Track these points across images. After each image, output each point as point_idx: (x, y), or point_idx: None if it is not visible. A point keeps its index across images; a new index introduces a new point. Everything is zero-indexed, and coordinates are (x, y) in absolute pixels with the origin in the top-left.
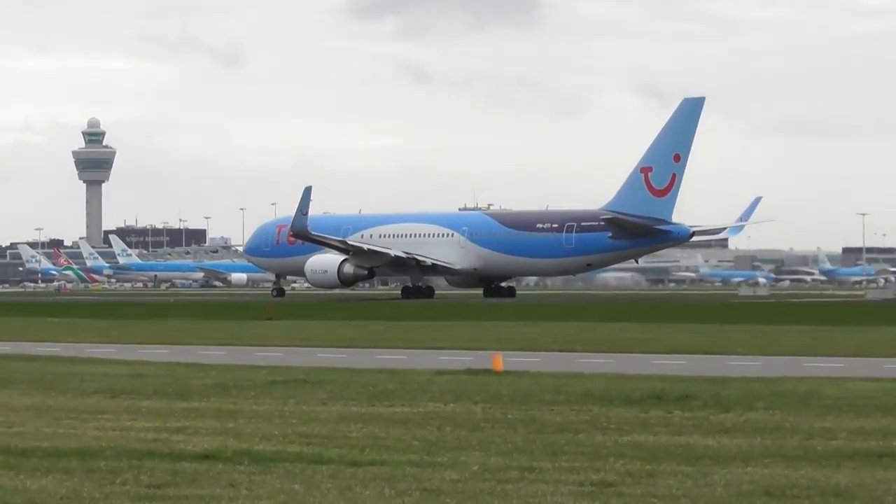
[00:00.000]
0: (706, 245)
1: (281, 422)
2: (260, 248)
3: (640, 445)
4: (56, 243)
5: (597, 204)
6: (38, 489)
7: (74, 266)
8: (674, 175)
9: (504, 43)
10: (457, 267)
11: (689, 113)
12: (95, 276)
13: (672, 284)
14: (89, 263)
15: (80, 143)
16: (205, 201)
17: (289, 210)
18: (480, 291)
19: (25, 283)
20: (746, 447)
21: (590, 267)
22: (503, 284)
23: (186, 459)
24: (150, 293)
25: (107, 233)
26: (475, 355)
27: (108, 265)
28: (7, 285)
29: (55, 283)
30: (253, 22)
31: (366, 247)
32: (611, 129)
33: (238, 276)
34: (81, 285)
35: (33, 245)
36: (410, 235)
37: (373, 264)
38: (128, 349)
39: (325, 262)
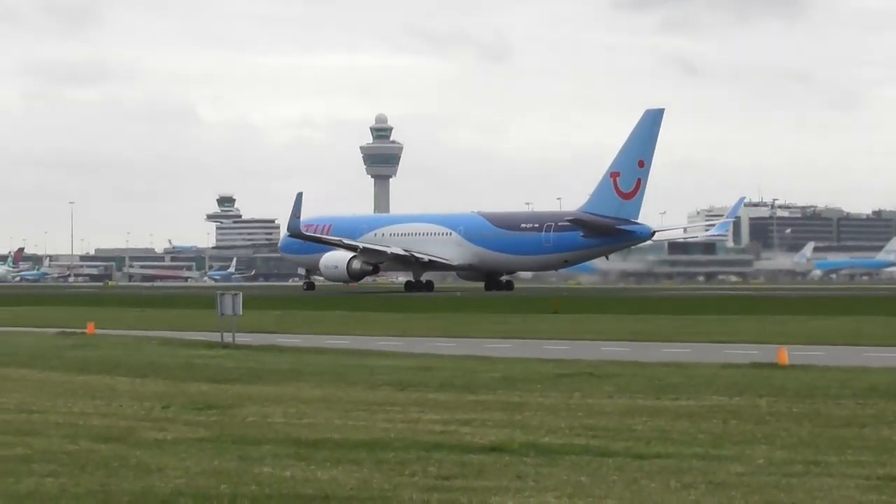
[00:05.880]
0: None
1: (567, 414)
2: (292, 246)
3: None
4: None
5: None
6: (329, 480)
7: None
8: (639, 179)
9: (772, 35)
10: (454, 263)
11: (651, 123)
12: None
13: None
14: None
15: (358, 138)
16: (488, 194)
17: (573, 205)
18: (482, 285)
19: (315, 277)
20: None
21: (566, 263)
22: (502, 279)
23: (474, 451)
24: (437, 287)
25: None
26: (761, 349)
27: None
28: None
29: None
30: (518, 17)
31: (361, 245)
32: (889, 122)
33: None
34: (370, 279)
35: None
36: (414, 234)
37: (377, 261)
38: (416, 342)
39: (337, 258)
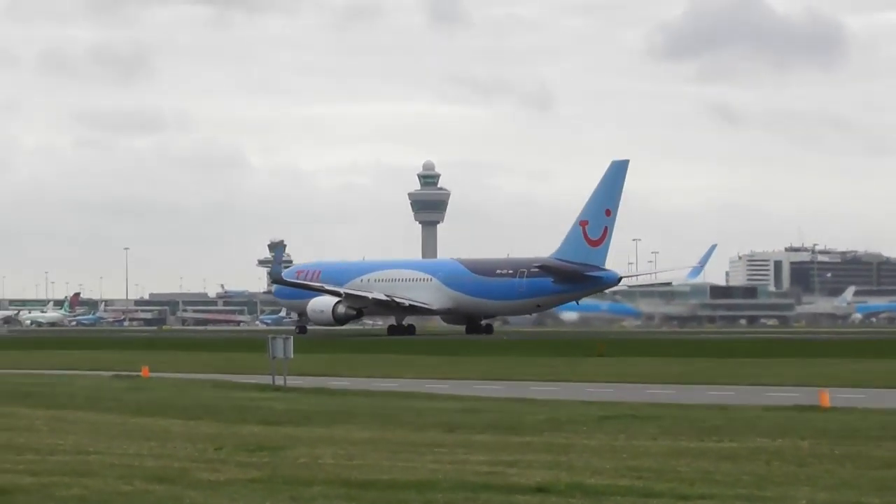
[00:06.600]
0: None
1: (612, 456)
2: (284, 291)
3: None
4: None
5: None
6: None
7: None
8: (606, 227)
9: (809, 83)
10: (433, 307)
11: (616, 173)
12: None
13: None
14: None
15: (405, 184)
16: (534, 241)
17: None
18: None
19: (364, 322)
20: None
21: (539, 308)
22: (482, 322)
23: (520, 492)
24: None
25: None
26: (803, 391)
27: None
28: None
29: None
30: (559, 66)
31: (344, 291)
32: None
33: (569, 315)
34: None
35: None
36: (396, 280)
37: (360, 305)
38: (462, 385)
39: (323, 303)
